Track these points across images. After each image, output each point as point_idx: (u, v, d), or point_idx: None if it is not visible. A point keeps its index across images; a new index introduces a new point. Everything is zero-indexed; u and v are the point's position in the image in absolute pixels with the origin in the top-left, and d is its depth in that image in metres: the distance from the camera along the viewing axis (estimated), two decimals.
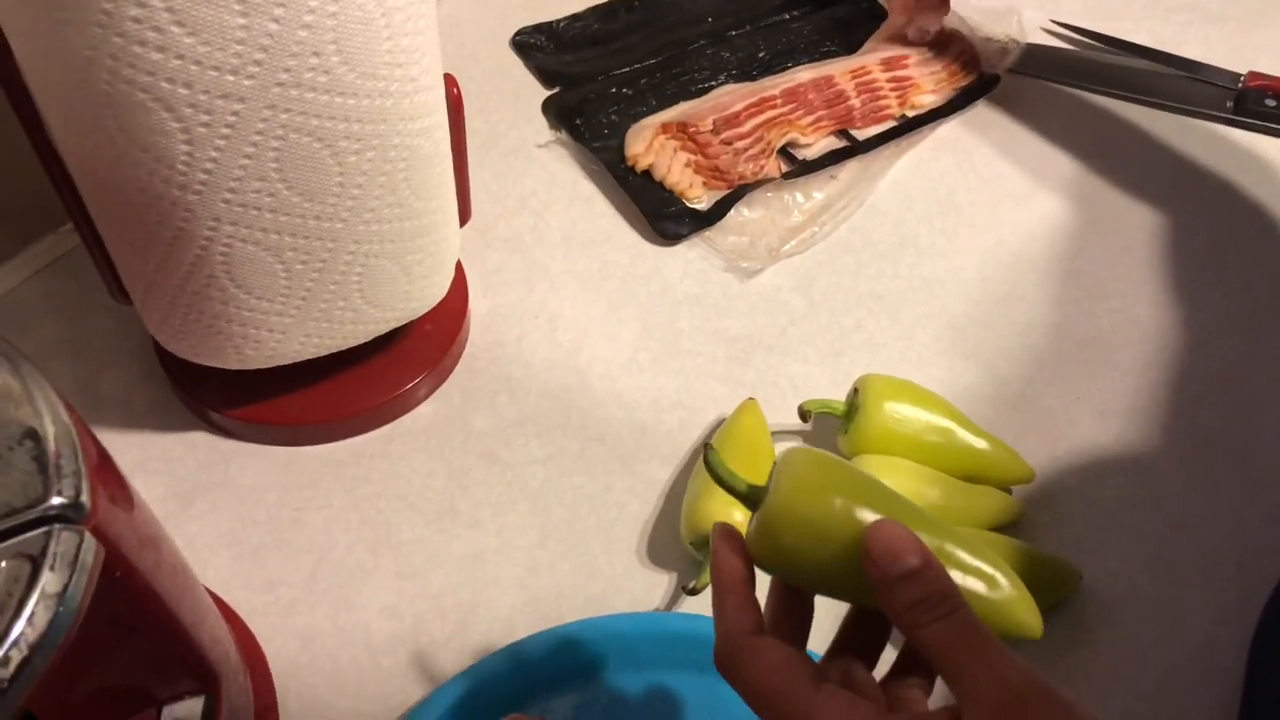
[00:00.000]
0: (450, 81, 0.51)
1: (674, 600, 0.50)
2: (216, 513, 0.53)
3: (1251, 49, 0.80)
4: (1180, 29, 0.81)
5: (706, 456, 0.36)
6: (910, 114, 0.73)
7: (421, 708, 0.45)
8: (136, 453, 0.55)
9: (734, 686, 0.33)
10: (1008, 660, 0.29)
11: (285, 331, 0.50)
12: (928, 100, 0.74)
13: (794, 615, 0.35)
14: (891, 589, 0.31)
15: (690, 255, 0.65)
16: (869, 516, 0.32)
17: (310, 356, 0.53)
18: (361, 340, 0.53)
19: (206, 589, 0.46)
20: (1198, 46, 0.79)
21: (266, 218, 0.45)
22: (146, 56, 0.38)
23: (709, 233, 0.66)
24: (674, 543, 0.52)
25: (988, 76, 0.76)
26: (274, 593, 0.51)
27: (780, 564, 0.34)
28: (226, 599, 0.50)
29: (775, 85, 0.73)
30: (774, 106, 0.71)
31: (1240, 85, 0.76)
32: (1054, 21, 0.82)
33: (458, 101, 0.52)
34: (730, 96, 0.72)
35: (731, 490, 0.36)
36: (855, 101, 0.73)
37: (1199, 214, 0.69)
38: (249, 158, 0.42)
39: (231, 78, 0.40)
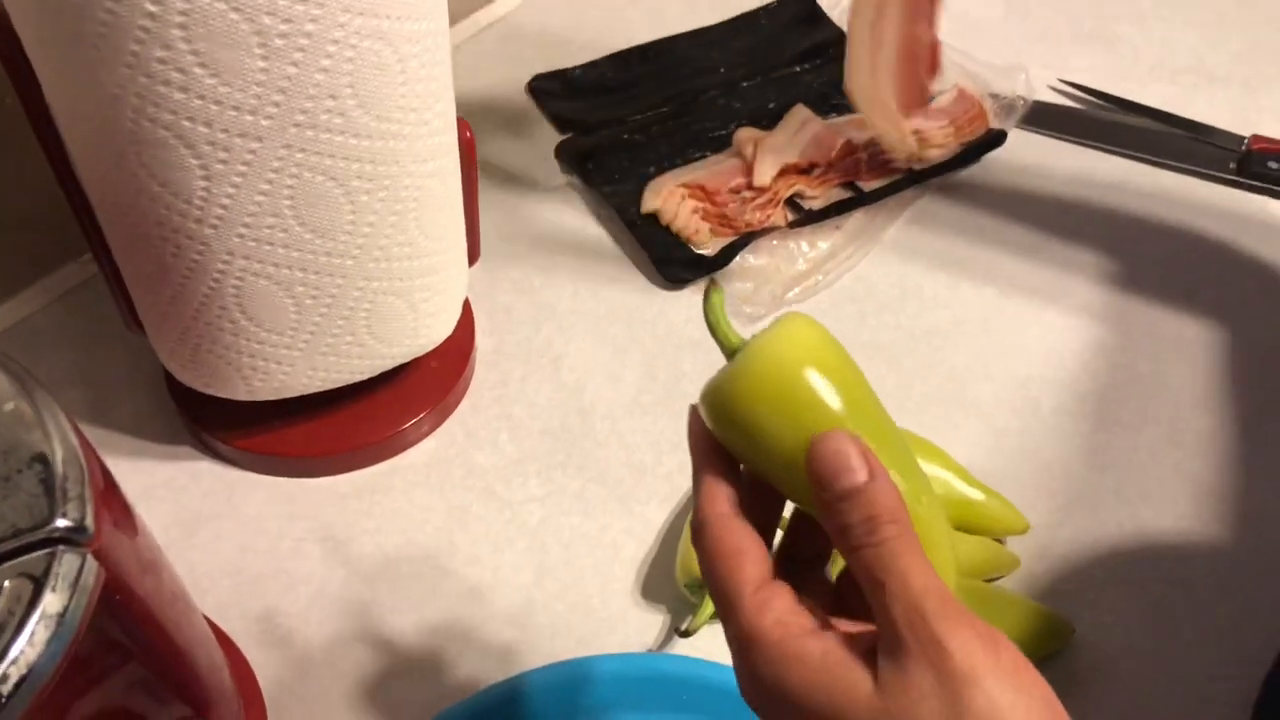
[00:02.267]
0: (463, 125, 0.53)
1: (666, 641, 0.51)
2: (218, 541, 0.54)
3: (1256, 112, 0.81)
4: (1186, 91, 0.82)
5: (708, 292, 0.32)
6: (917, 167, 0.74)
7: None
8: (143, 480, 0.56)
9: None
10: (933, 587, 0.28)
11: (293, 364, 0.51)
12: (934, 154, 0.75)
13: (757, 497, 0.33)
14: (827, 513, 0.29)
15: (695, 300, 0.66)
16: (830, 418, 0.30)
17: (317, 390, 0.54)
18: (367, 375, 0.54)
19: (205, 616, 0.47)
20: (1203, 108, 0.80)
21: (279, 253, 0.46)
22: (170, 96, 0.40)
23: (715, 278, 0.67)
24: (668, 584, 0.52)
25: (995, 132, 0.77)
26: (272, 622, 0.51)
27: (725, 430, 0.31)
28: (224, 627, 0.50)
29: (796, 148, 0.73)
30: (795, 170, 0.72)
31: (1244, 148, 0.77)
32: (1061, 80, 0.83)
33: (470, 144, 0.53)
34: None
35: (718, 337, 0.32)
36: (863, 155, 0.74)
37: (1202, 271, 0.69)
38: (264, 194, 0.43)
39: (250, 117, 0.41)
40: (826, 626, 0.30)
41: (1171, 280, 0.69)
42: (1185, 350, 0.64)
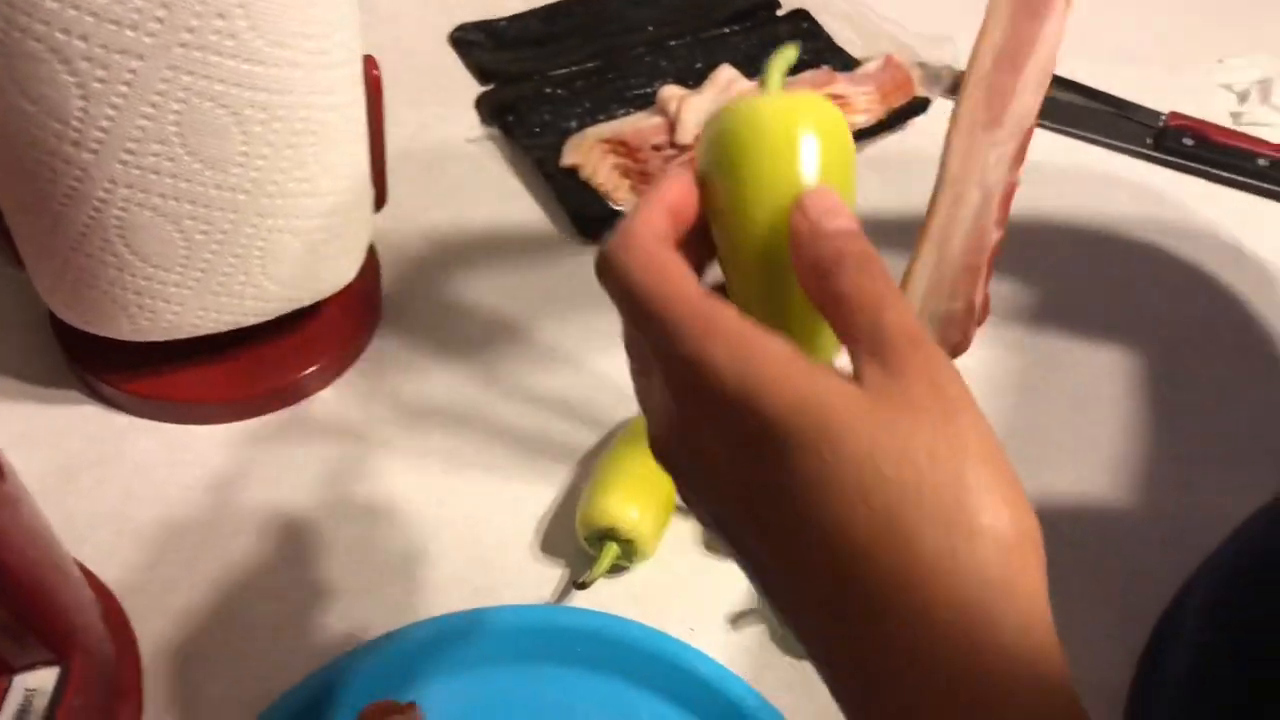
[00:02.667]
0: (370, 63, 0.51)
1: (564, 594, 0.50)
2: (101, 488, 0.52)
3: (1175, 91, 0.82)
4: (1109, 68, 0.83)
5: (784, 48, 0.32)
6: None
7: (294, 691, 0.44)
8: (21, 424, 0.54)
9: (604, 286, 0.30)
10: (911, 315, 0.27)
11: (183, 304, 0.49)
12: (859, 119, 0.75)
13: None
14: (818, 241, 0.28)
15: None
16: (830, 176, 0.29)
17: (209, 332, 0.51)
18: (264, 318, 0.52)
19: (80, 564, 0.45)
20: (1125, 86, 0.81)
21: (166, 183, 0.44)
22: (42, 5, 0.37)
23: None
24: (569, 538, 0.52)
25: (919, 99, 0.77)
26: (154, 572, 0.49)
27: (720, 146, 0.30)
28: (103, 576, 0.48)
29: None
30: None
31: (1161, 124, 0.78)
32: None
33: (376, 82, 0.51)
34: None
35: (765, 76, 0.32)
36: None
37: (1116, 242, 0.70)
38: (148, 119, 0.41)
39: (131, 33, 0.39)
40: None
41: (1085, 250, 0.69)
42: (1094, 319, 0.65)
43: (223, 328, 0.51)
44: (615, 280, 0.29)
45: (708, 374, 0.26)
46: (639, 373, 0.32)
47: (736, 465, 0.27)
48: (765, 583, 0.28)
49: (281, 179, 0.46)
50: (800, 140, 0.30)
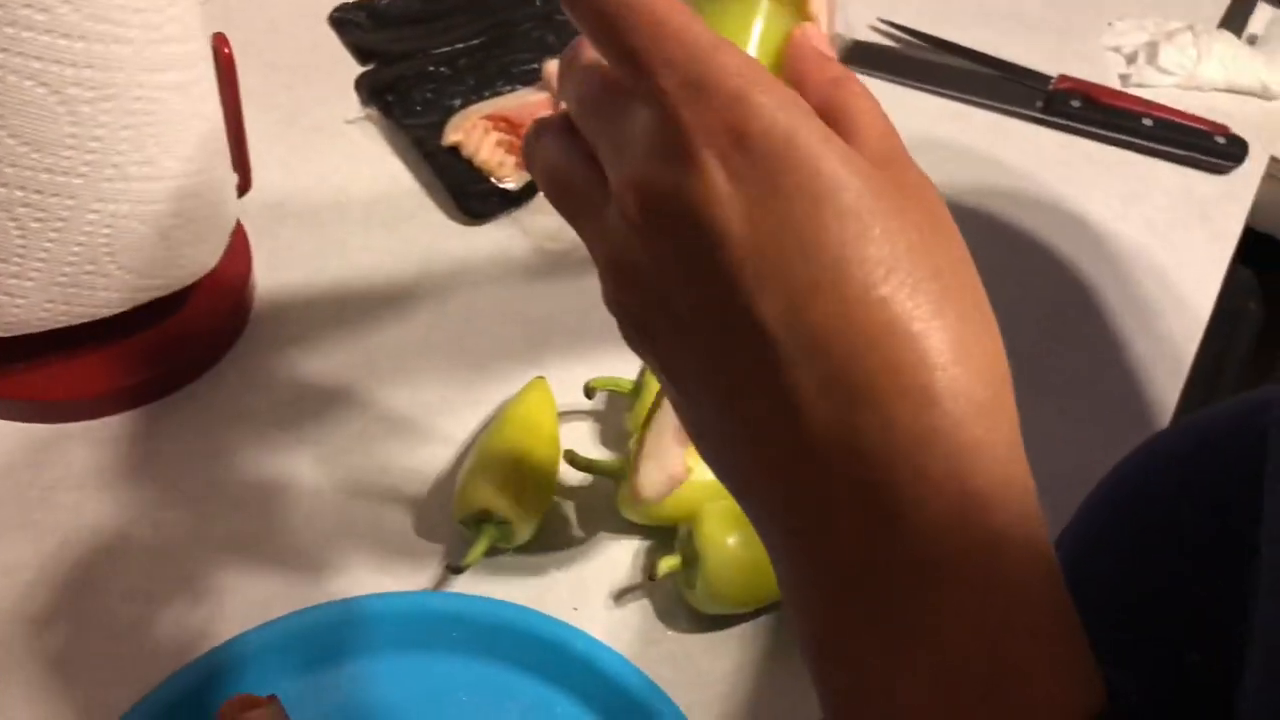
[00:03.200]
0: (220, 40, 0.49)
1: (441, 580, 0.49)
2: None
3: (1067, 55, 0.83)
4: (1002, 34, 0.84)
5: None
6: None
7: (155, 694, 0.42)
8: None
9: (576, 16, 0.25)
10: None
11: (26, 296, 0.47)
12: None
13: None
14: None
15: (497, 236, 0.64)
16: None
17: (62, 325, 0.49)
18: (119, 309, 0.50)
19: None
20: (1017, 51, 0.81)
21: None
22: None
23: (517, 212, 0.65)
24: (448, 524, 0.50)
25: None
26: (10, 577, 0.47)
27: None
28: None
29: None
30: None
31: (1051, 87, 0.78)
32: (881, 20, 0.83)
33: (229, 61, 0.50)
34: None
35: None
36: None
37: (1007, 201, 0.71)
38: None
39: None
40: None
41: (979, 211, 0.70)
42: (987, 280, 0.65)
43: (76, 320, 0.49)
44: (577, 65, 0.26)
45: (751, 119, 0.23)
46: (585, 209, 0.27)
47: (753, 237, 0.23)
48: (719, 445, 0.26)
49: (121, 161, 0.44)
50: None
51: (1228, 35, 0.84)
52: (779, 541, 0.25)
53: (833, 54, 0.28)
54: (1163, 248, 0.69)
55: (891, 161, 0.25)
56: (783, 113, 0.23)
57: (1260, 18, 0.89)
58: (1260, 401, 0.38)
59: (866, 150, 0.24)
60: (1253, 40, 0.86)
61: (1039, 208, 0.71)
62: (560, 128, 0.27)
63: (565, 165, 0.27)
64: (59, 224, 0.45)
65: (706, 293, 0.24)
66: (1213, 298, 0.67)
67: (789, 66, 0.28)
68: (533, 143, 0.28)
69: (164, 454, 0.52)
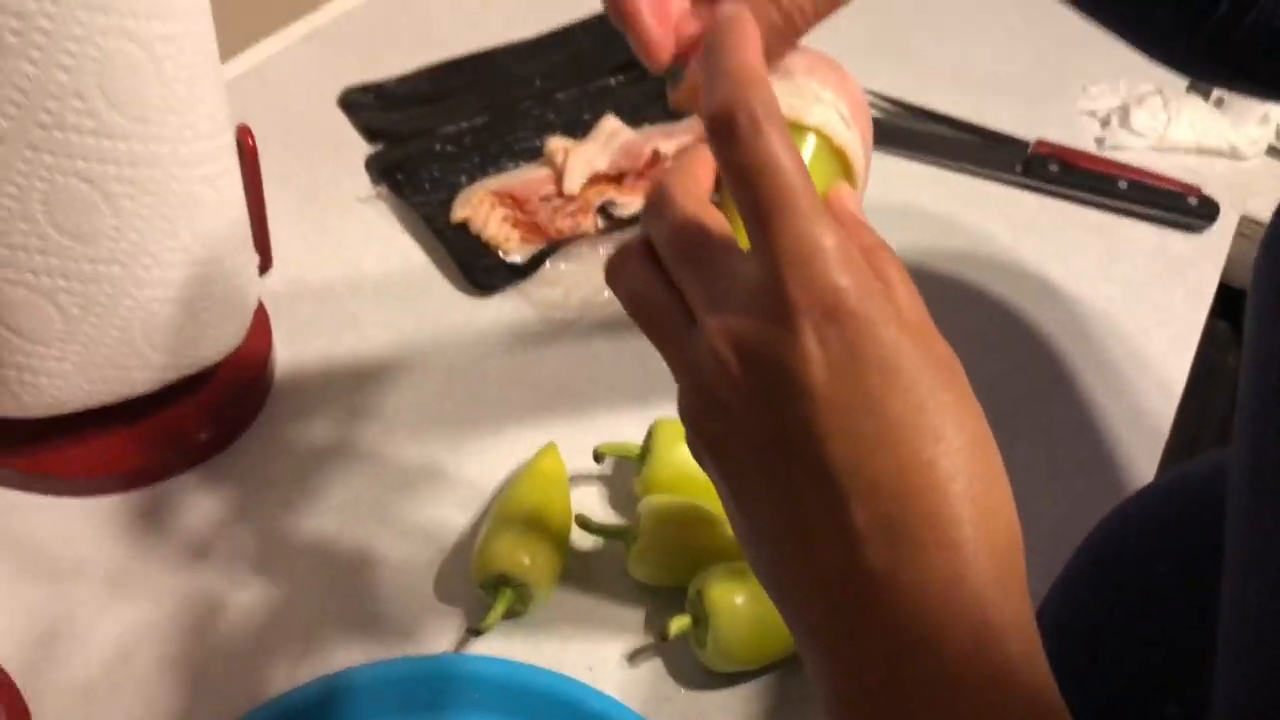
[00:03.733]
0: (244, 132, 0.52)
1: (462, 643, 0.51)
2: None
3: (1043, 120, 0.86)
4: (980, 101, 0.87)
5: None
6: None
7: None
8: None
9: (651, 227, 0.30)
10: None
11: (65, 378, 0.49)
12: None
13: None
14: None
15: (504, 307, 0.67)
16: None
17: (97, 405, 0.52)
18: (152, 388, 0.53)
19: None
20: (995, 116, 0.85)
21: (36, 260, 0.44)
22: None
23: (524, 285, 0.68)
24: (466, 587, 0.52)
25: None
26: (48, 648, 0.49)
27: None
28: None
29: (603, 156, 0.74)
30: (605, 179, 0.74)
31: (1029, 151, 0.82)
32: (864, 90, 0.87)
33: (252, 153, 0.53)
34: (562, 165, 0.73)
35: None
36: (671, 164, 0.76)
37: (989, 265, 0.74)
38: (12, 198, 0.42)
39: None
40: None
41: (963, 274, 0.73)
42: (962, 337, 0.68)
43: (110, 400, 0.52)
44: (668, 214, 0.30)
45: (845, 297, 0.27)
46: (670, 335, 0.31)
47: (831, 393, 0.27)
48: (773, 558, 0.29)
49: (156, 250, 0.47)
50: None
51: (1195, 99, 0.88)
52: (812, 652, 0.29)
53: (864, 218, 0.32)
54: (1141, 305, 0.72)
55: (923, 330, 0.29)
56: (867, 299, 0.28)
57: None
58: (1222, 465, 0.41)
59: (903, 318, 0.29)
60: (1219, 103, 0.90)
61: (1021, 269, 0.74)
62: (643, 256, 0.31)
63: (651, 294, 0.31)
64: (99, 310, 0.47)
65: (785, 432, 0.28)
66: (1191, 352, 0.70)
67: None
68: (617, 267, 0.32)
69: (191, 524, 0.54)
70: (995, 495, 0.28)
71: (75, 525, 0.53)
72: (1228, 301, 0.79)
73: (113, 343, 0.49)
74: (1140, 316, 0.71)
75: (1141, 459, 0.63)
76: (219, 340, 0.53)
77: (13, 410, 0.50)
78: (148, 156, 0.44)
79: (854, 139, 0.34)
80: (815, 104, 0.34)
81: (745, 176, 0.27)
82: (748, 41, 0.29)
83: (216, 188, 0.48)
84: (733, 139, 0.27)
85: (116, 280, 0.47)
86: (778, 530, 0.29)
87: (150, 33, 0.41)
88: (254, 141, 0.52)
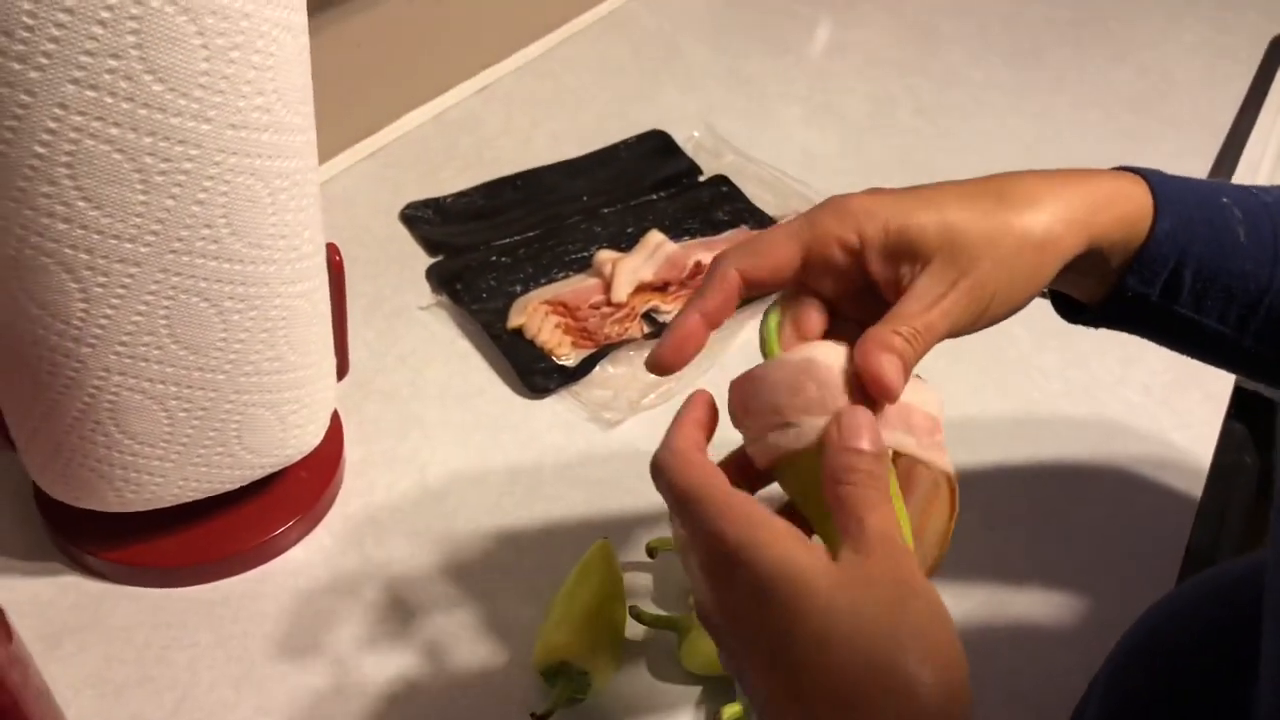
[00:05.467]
0: (332, 249, 0.57)
1: None
2: (83, 654, 0.55)
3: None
4: None
5: (768, 312, 0.44)
6: None
7: None
8: (6, 596, 0.57)
9: (656, 486, 0.39)
10: (891, 521, 0.36)
11: (165, 475, 0.54)
12: None
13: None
14: (837, 453, 0.37)
15: (557, 408, 0.71)
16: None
17: (188, 500, 0.56)
18: (237, 485, 0.57)
19: None
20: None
21: (154, 369, 0.49)
22: (54, 227, 0.43)
23: (575, 387, 0.72)
24: (528, 674, 0.56)
25: None
26: None
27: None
28: None
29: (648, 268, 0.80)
30: (650, 288, 0.79)
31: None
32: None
33: (339, 267, 0.58)
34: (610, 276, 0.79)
35: (764, 348, 0.44)
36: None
37: (1015, 372, 0.78)
38: (141, 315, 0.47)
39: (129, 245, 0.45)
40: None
41: (990, 382, 0.77)
42: (994, 441, 0.72)
43: (201, 495, 0.56)
44: (663, 481, 0.39)
45: (721, 543, 0.36)
46: (684, 555, 0.39)
47: (751, 616, 0.35)
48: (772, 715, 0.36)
49: (256, 359, 0.52)
50: None
51: None
52: None
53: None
54: (1161, 409, 0.76)
55: (861, 547, 0.36)
56: (736, 545, 0.36)
57: None
58: (1251, 568, 0.44)
59: (847, 540, 0.36)
60: None
61: (1043, 374, 0.78)
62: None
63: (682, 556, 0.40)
64: (200, 413, 0.52)
65: (739, 657, 0.37)
66: (1210, 453, 0.73)
67: None
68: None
69: (267, 615, 0.58)
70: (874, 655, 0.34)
71: (159, 614, 0.57)
72: (1242, 405, 0.82)
73: (209, 442, 0.53)
74: (1160, 419, 0.74)
75: (1166, 555, 0.66)
76: (301, 441, 0.58)
77: (114, 505, 0.54)
78: (258, 276, 0.49)
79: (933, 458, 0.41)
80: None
81: (670, 501, 0.39)
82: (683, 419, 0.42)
83: (311, 301, 0.53)
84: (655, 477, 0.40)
85: (220, 386, 0.51)
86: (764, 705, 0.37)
87: (271, 170, 0.46)
88: (340, 258, 0.58)
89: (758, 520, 0.36)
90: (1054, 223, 0.41)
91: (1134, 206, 0.44)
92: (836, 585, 0.34)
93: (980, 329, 0.43)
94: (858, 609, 0.33)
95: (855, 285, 0.42)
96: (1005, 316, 0.43)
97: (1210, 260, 0.45)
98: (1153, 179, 0.46)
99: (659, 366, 0.43)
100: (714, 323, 0.43)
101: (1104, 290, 0.46)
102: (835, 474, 0.37)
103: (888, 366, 0.38)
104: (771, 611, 0.34)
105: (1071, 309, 0.50)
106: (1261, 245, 0.46)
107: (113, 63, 0.40)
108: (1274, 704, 0.37)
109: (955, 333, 0.41)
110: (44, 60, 0.39)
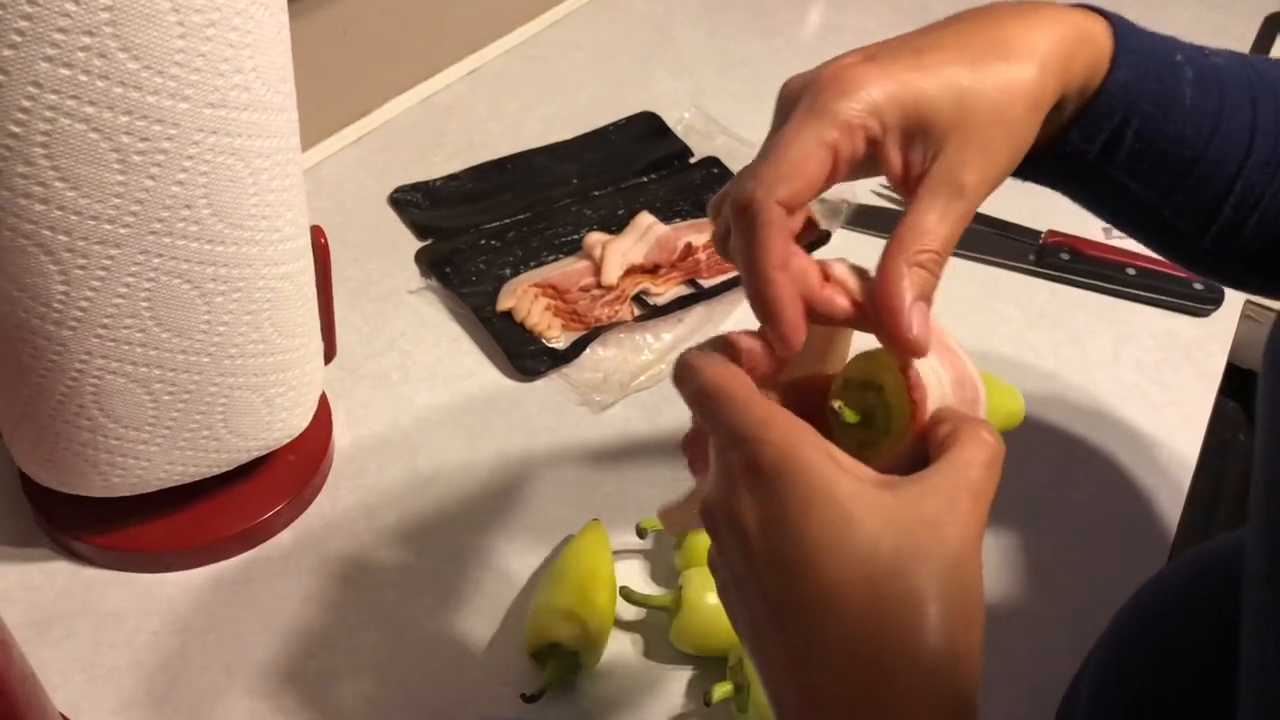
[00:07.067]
0: (317, 232, 0.57)
1: (516, 709, 0.53)
2: (72, 639, 0.55)
3: (1053, 211, 0.91)
4: (994, 193, 0.92)
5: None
6: None
7: None
8: None
9: (680, 388, 0.36)
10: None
11: (151, 459, 0.53)
12: None
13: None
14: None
15: (548, 390, 0.71)
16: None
17: (174, 484, 0.56)
18: (224, 469, 0.57)
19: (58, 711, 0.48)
20: (1007, 208, 0.90)
21: (137, 352, 0.49)
22: (31, 208, 0.43)
23: (566, 369, 0.72)
24: (518, 655, 0.55)
25: (821, 232, 0.85)
26: (125, 713, 0.52)
27: None
28: None
29: (638, 249, 0.79)
30: (641, 270, 0.78)
31: (1041, 241, 0.86)
32: (882, 185, 0.92)
33: (324, 250, 0.57)
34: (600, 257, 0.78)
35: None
36: (702, 255, 0.81)
37: (1003, 350, 0.77)
38: (122, 297, 0.47)
39: (108, 226, 0.44)
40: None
41: (985, 360, 0.76)
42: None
43: (187, 479, 0.56)
44: (691, 379, 0.36)
45: (760, 450, 0.33)
46: (696, 462, 0.39)
47: (762, 533, 0.33)
48: (758, 646, 0.35)
49: (241, 341, 0.51)
50: None
51: None
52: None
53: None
54: (1153, 386, 0.75)
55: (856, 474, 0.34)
56: (782, 456, 0.33)
57: None
58: (1239, 545, 0.44)
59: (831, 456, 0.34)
60: None
61: (1036, 353, 0.78)
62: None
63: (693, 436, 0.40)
64: (185, 396, 0.51)
65: (740, 573, 0.35)
66: (1202, 431, 0.73)
67: None
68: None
69: (257, 599, 0.57)
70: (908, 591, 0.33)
71: (149, 599, 0.57)
72: (1235, 381, 0.82)
73: (195, 426, 0.53)
74: (1152, 397, 0.74)
75: (1158, 533, 0.65)
76: (288, 424, 0.57)
77: (100, 490, 0.54)
78: (241, 258, 0.49)
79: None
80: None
81: (695, 399, 0.36)
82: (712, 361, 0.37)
83: (296, 284, 0.53)
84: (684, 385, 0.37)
85: (204, 369, 0.51)
86: (750, 646, 0.35)
87: (252, 149, 0.46)
88: (326, 240, 0.57)
89: (806, 437, 0.33)
90: (1044, 76, 0.39)
91: (1095, 51, 0.41)
92: (883, 521, 0.32)
93: None
94: (898, 556, 0.32)
95: (855, 174, 0.40)
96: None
97: (1153, 120, 0.42)
98: (1115, 22, 0.43)
99: (790, 346, 0.37)
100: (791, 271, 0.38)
101: (1044, 143, 0.43)
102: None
103: (918, 317, 0.37)
104: (810, 530, 0.32)
105: None
106: (1204, 111, 0.43)
107: (86, 40, 0.39)
108: (1255, 681, 0.36)
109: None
110: (16, 38, 0.39)
